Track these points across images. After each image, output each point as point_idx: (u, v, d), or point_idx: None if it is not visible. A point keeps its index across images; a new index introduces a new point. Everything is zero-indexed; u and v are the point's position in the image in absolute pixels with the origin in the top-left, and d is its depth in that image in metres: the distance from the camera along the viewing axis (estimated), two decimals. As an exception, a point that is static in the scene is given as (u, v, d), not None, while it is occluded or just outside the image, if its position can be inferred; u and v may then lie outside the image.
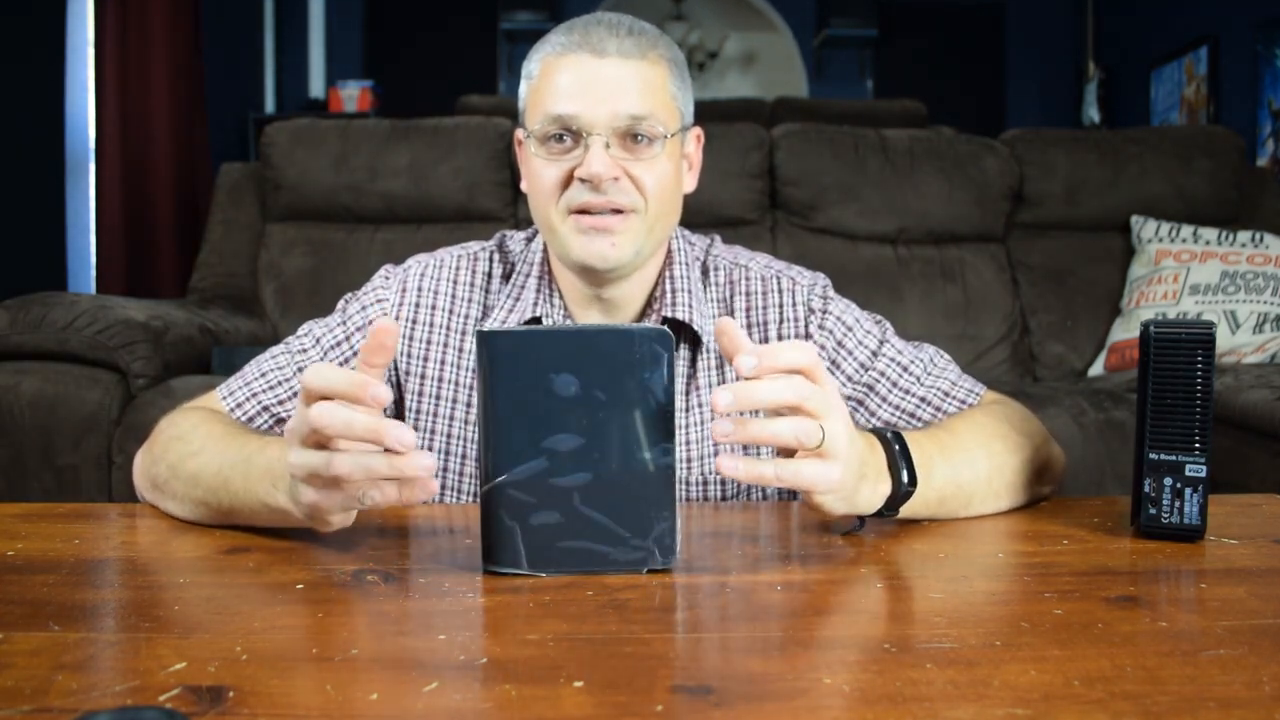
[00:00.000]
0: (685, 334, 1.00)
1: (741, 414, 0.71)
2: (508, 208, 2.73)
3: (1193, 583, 0.68)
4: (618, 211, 0.92)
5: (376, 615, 0.61)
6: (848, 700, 0.48)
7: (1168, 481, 0.76)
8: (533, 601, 0.63)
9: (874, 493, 0.76)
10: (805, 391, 0.66)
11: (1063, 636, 0.56)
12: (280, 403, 0.98)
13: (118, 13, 3.57)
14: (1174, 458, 0.76)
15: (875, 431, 0.80)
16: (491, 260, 1.05)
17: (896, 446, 0.78)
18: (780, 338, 1.01)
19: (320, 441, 0.66)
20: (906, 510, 0.79)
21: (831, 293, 1.04)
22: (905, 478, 0.77)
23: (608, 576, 0.68)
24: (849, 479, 0.71)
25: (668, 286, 1.00)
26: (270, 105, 5.55)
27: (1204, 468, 0.75)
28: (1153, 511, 0.76)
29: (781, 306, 1.02)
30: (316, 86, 5.67)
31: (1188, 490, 0.75)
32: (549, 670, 0.52)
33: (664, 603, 0.63)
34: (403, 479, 0.65)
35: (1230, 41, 4.46)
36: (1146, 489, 0.76)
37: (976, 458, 0.85)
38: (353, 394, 0.64)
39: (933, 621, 0.59)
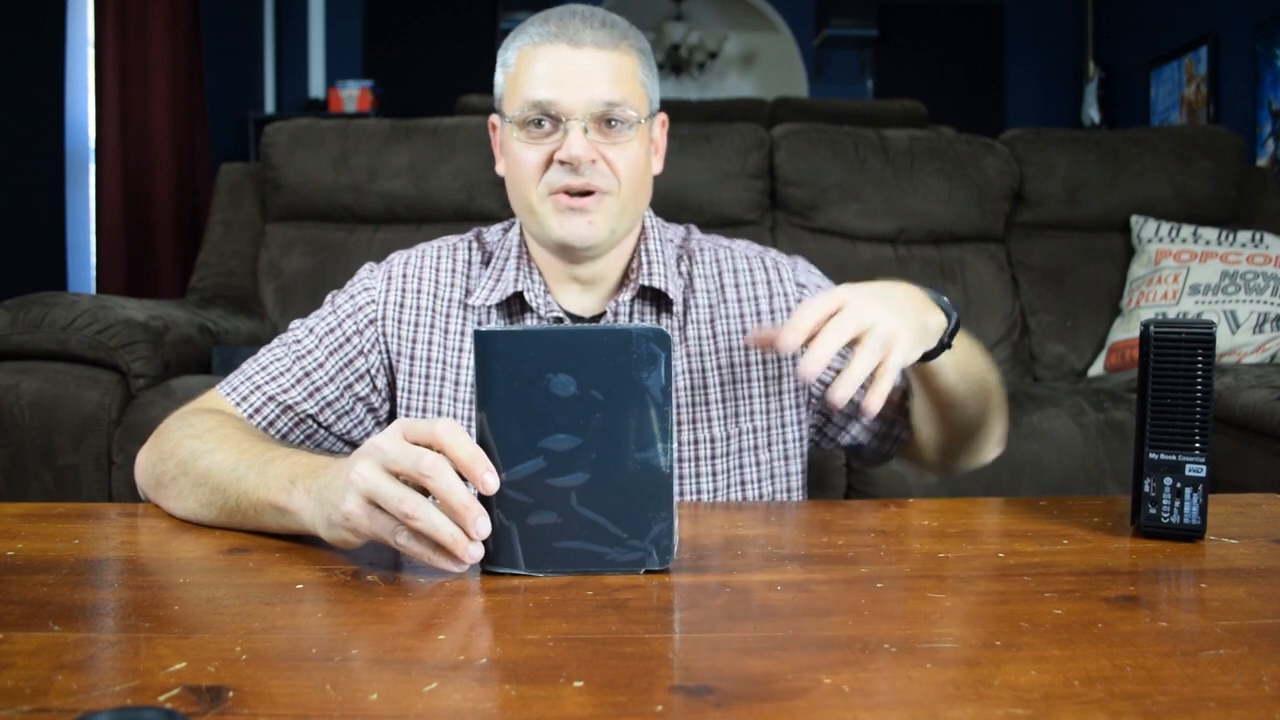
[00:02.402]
0: (664, 304, 1.06)
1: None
2: (507, 208, 2.72)
3: (1193, 583, 0.68)
4: (591, 193, 0.97)
5: (376, 615, 0.61)
6: (848, 700, 0.48)
7: (1168, 481, 0.76)
8: (532, 601, 0.63)
9: (935, 320, 0.88)
10: (845, 327, 0.77)
11: (1063, 636, 0.56)
12: (284, 391, 1.01)
13: (118, 13, 3.57)
14: (1174, 458, 0.76)
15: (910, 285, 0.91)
16: (470, 248, 1.10)
17: (931, 293, 0.90)
18: (772, 312, 1.07)
19: (403, 477, 0.66)
20: (950, 359, 0.91)
21: (815, 268, 1.13)
22: (950, 311, 0.89)
23: (607, 576, 0.68)
24: (914, 329, 0.82)
25: (644, 259, 1.05)
26: (270, 105, 5.55)
27: (1204, 468, 0.75)
28: (1153, 511, 0.76)
29: (770, 283, 1.08)
30: (316, 86, 5.67)
31: (1188, 490, 0.75)
32: (549, 670, 0.52)
33: (664, 603, 0.63)
34: (444, 548, 0.66)
35: (1230, 41, 4.46)
36: (1146, 489, 0.76)
37: (982, 357, 1.01)
38: (470, 468, 0.65)
39: (933, 621, 0.59)
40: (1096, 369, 2.62)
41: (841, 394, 0.77)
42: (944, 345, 0.89)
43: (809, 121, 2.89)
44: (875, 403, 0.78)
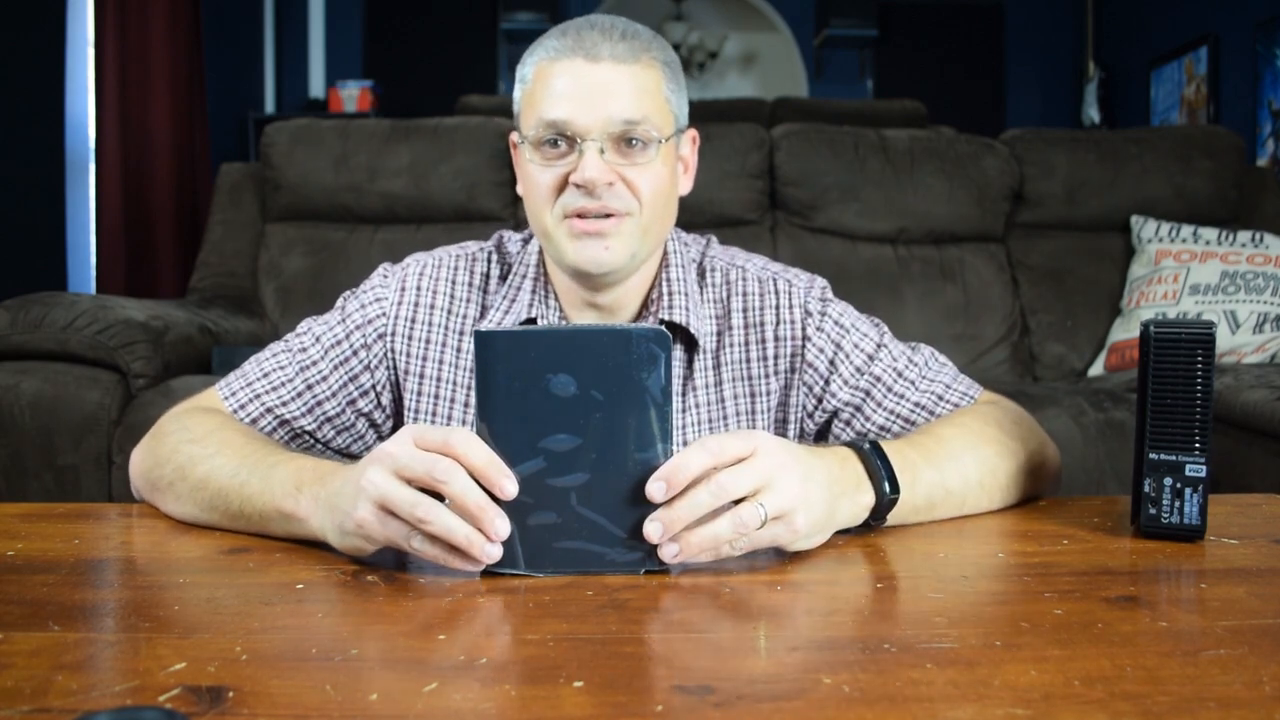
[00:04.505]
0: (681, 335, 1.00)
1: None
2: (507, 208, 2.73)
3: (1193, 583, 0.68)
4: (609, 215, 0.92)
5: (376, 615, 0.61)
6: (848, 700, 0.48)
7: (1168, 481, 0.76)
8: (532, 601, 0.63)
9: (855, 504, 0.76)
10: (726, 490, 0.66)
11: (1063, 636, 0.56)
12: (284, 404, 0.99)
13: (118, 13, 3.57)
14: (1174, 458, 0.76)
15: (850, 444, 0.80)
16: (490, 260, 1.05)
17: (876, 459, 0.78)
18: (777, 339, 1.02)
19: (415, 483, 0.65)
20: (894, 518, 0.79)
21: (830, 294, 1.04)
22: (887, 487, 0.77)
23: (607, 576, 0.68)
24: (813, 518, 0.70)
25: (664, 289, 1.00)
26: (270, 105, 5.55)
27: (1204, 468, 0.75)
28: (1153, 511, 0.76)
29: (778, 308, 1.02)
30: (316, 86, 5.67)
31: (1188, 490, 0.75)
32: (549, 670, 0.52)
33: (664, 603, 0.63)
34: (459, 550, 0.65)
35: (1230, 41, 4.46)
36: (1146, 489, 0.76)
37: (965, 463, 0.85)
38: (486, 474, 0.65)
39: (933, 621, 0.59)
40: (1096, 369, 2.62)
41: (668, 552, 0.66)
42: (868, 525, 0.78)
43: (809, 121, 2.89)
44: (686, 559, 0.67)
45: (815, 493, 0.70)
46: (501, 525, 0.65)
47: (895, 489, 0.77)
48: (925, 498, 0.81)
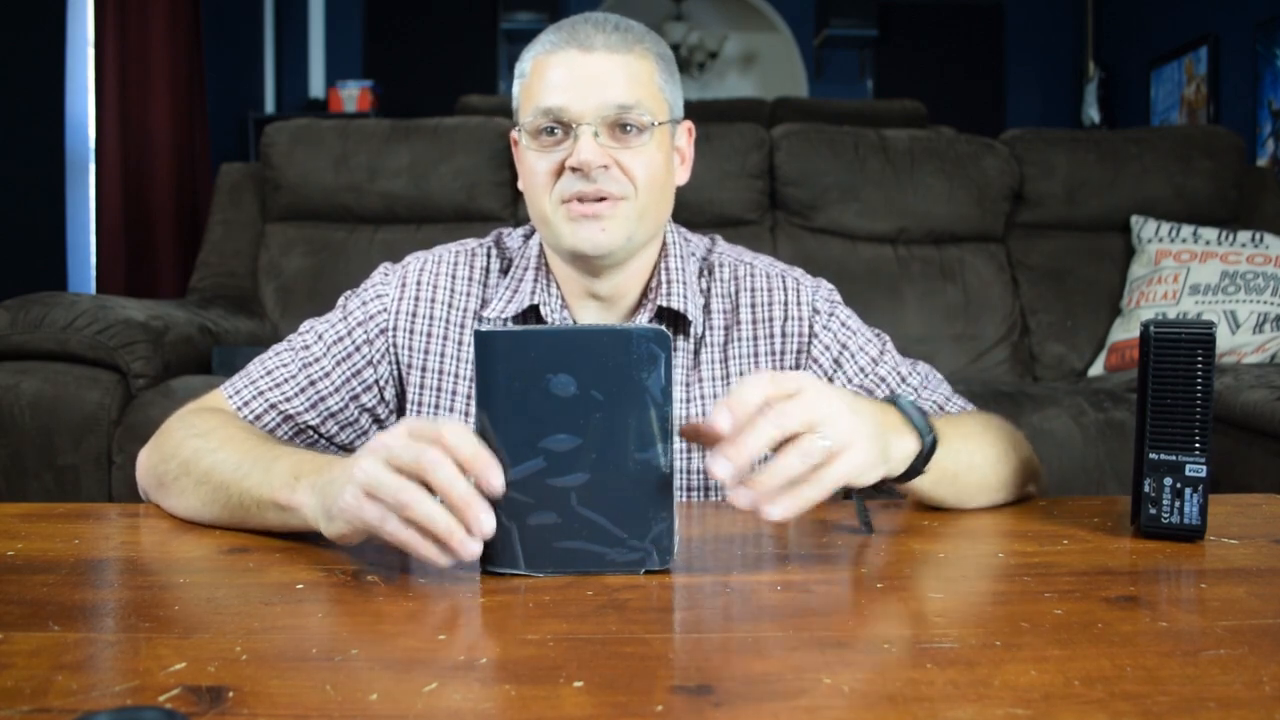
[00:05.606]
0: (682, 324, 1.02)
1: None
2: (507, 208, 2.73)
3: (1193, 583, 0.68)
4: (605, 199, 0.94)
5: (376, 615, 0.61)
6: (848, 700, 0.48)
7: (1168, 481, 0.76)
8: (532, 601, 0.63)
9: (902, 447, 0.77)
10: (786, 419, 0.66)
11: (1063, 636, 0.56)
12: (287, 400, 1.00)
13: (118, 13, 3.57)
14: (1174, 458, 0.76)
15: (888, 398, 0.82)
16: (489, 255, 1.07)
17: (916, 412, 0.79)
18: (785, 335, 1.03)
19: (406, 473, 0.66)
20: (934, 471, 0.80)
21: (837, 298, 1.06)
22: (926, 435, 0.79)
23: (607, 576, 0.68)
24: (872, 449, 0.71)
25: (663, 277, 1.02)
26: (270, 105, 5.55)
27: (1204, 468, 0.75)
28: (1153, 511, 0.76)
29: (786, 304, 1.04)
30: (316, 86, 5.67)
31: (1188, 490, 0.75)
32: (549, 670, 0.52)
33: (664, 603, 0.63)
34: (438, 540, 0.65)
35: (1230, 41, 4.46)
36: (1146, 489, 0.76)
37: (984, 444, 0.88)
38: (476, 468, 0.65)
39: (933, 621, 0.59)
40: (1096, 369, 2.62)
41: (743, 499, 0.65)
42: (914, 472, 0.79)
43: (809, 121, 2.89)
44: (778, 512, 0.65)
45: (865, 426, 0.70)
46: (486, 520, 0.64)
47: (935, 439, 0.79)
48: (953, 464, 0.84)
